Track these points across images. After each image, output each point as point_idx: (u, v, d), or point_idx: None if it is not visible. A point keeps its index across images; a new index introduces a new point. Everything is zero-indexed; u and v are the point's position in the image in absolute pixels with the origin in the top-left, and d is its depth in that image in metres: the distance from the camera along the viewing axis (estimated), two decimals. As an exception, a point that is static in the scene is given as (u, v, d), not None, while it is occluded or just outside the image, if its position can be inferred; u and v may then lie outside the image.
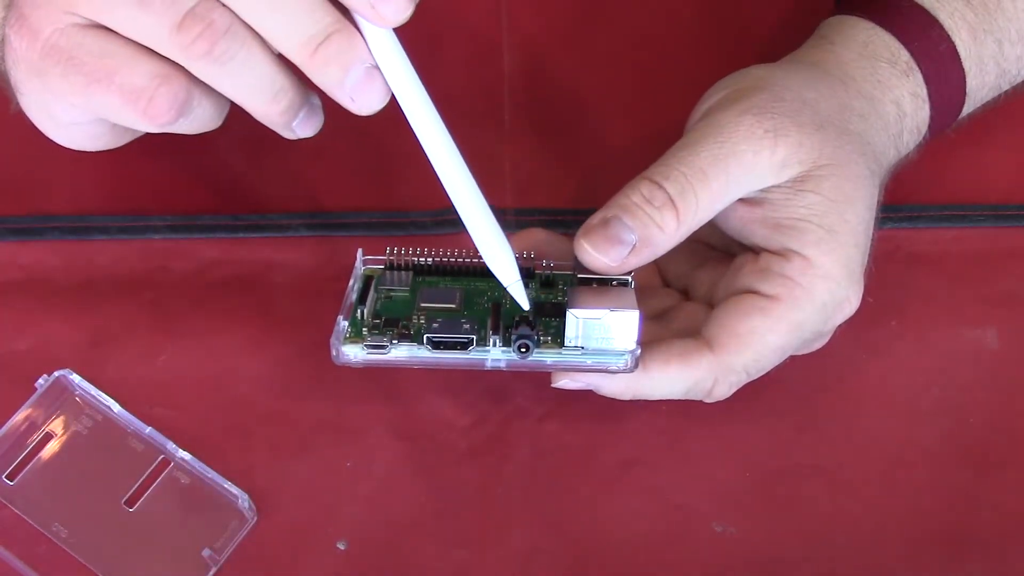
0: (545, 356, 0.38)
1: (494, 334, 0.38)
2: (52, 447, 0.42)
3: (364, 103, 0.36)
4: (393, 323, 0.39)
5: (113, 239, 0.47)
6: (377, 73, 0.36)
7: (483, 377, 0.45)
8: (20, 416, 0.42)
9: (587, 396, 0.45)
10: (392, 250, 0.42)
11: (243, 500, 0.41)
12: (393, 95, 0.36)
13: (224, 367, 0.45)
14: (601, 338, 0.38)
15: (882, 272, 0.47)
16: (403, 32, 0.51)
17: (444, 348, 0.38)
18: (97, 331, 0.45)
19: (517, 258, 0.39)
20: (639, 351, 0.38)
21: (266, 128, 0.48)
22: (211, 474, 0.42)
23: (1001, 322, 0.46)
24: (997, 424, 0.44)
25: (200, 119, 0.37)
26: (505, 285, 0.39)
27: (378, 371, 0.45)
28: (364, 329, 0.39)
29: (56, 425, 0.43)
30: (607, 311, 0.38)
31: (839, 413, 0.45)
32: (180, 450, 0.42)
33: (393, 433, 0.44)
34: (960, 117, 0.46)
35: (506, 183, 0.49)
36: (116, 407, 0.43)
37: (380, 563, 0.42)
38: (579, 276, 0.40)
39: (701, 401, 0.41)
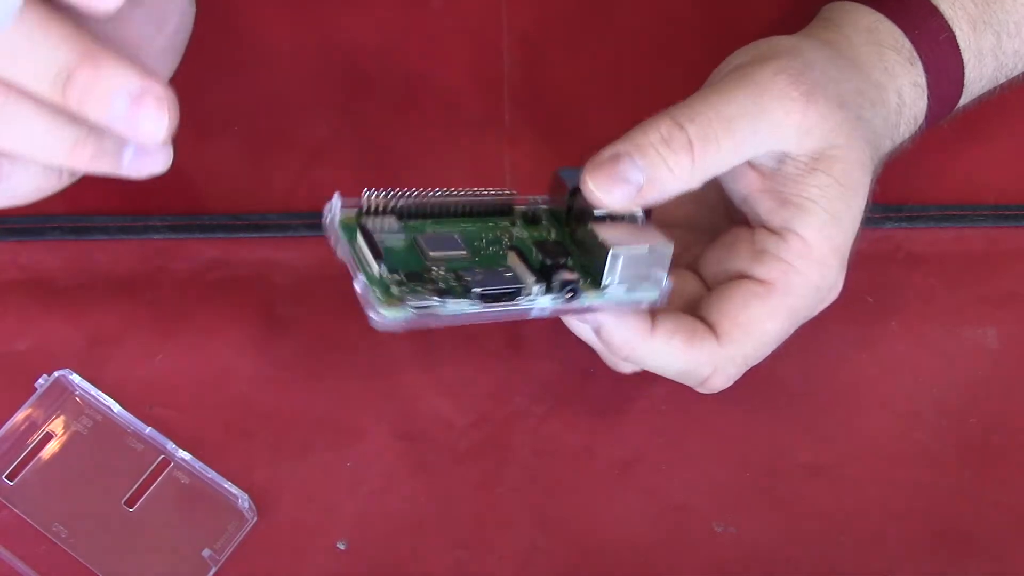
0: (589, 299, 0.36)
1: (538, 282, 0.36)
2: (52, 447, 0.42)
3: (147, 133, 0.32)
4: (416, 277, 0.35)
5: (113, 239, 0.47)
6: (147, 93, 0.32)
7: (483, 377, 0.45)
8: (20, 416, 0.42)
9: (587, 395, 0.45)
10: (370, 193, 0.38)
11: (243, 500, 0.41)
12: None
13: (224, 367, 0.45)
14: (637, 276, 0.36)
15: (882, 272, 0.47)
16: (404, 32, 0.51)
17: (493, 300, 0.35)
18: (97, 331, 0.45)
19: (501, 192, 0.39)
20: (669, 286, 0.37)
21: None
22: (211, 474, 0.42)
23: (1001, 322, 0.46)
24: (997, 424, 0.44)
25: (27, 182, 0.34)
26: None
27: (377, 370, 0.45)
28: (393, 288, 0.35)
29: (56, 425, 0.43)
30: (647, 248, 0.36)
31: (839, 413, 0.45)
32: (180, 450, 0.42)
33: (393, 433, 0.44)
34: (955, 109, 0.46)
35: (506, 183, 0.49)
36: (116, 407, 0.43)
37: (380, 563, 0.42)
38: (595, 214, 0.38)
39: (700, 400, 0.41)
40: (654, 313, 0.38)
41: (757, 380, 0.43)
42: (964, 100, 0.45)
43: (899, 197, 0.48)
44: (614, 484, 0.43)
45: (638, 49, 0.51)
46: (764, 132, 0.38)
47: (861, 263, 0.46)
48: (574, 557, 0.42)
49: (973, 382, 0.45)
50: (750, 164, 0.40)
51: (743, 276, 0.40)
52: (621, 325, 0.38)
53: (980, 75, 0.44)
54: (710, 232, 0.43)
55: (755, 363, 0.41)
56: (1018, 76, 0.47)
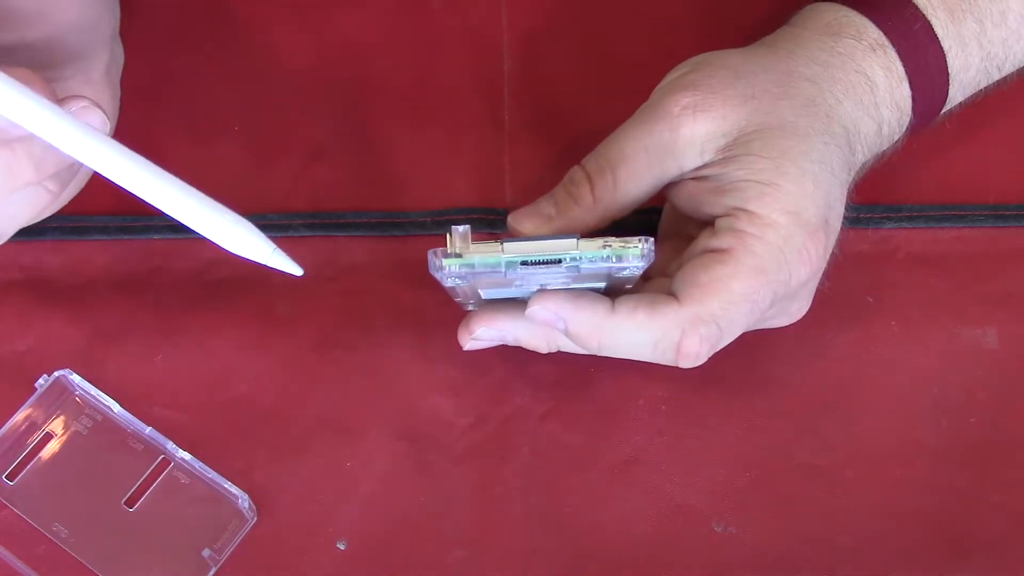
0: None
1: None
2: (52, 447, 0.42)
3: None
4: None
5: (113, 239, 0.47)
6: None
7: (483, 377, 0.45)
8: (20, 416, 0.42)
9: (587, 395, 0.45)
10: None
11: (243, 500, 0.41)
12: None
13: (224, 367, 0.45)
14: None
15: (882, 272, 0.47)
16: (404, 32, 0.51)
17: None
18: (97, 331, 0.45)
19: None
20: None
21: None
22: (211, 474, 0.42)
23: (1001, 322, 0.46)
24: (997, 424, 0.44)
25: (21, 212, 0.38)
26: (263, 262, 0.36)
27: (377, 370, 0.45)
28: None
29: (56, 425, 0.43)
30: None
31: (839, 413, 0.45)
32: (180, 450, 0.42)
33: (393, 433, 0.44)
34: (951, 104, 0.46)
35: (506, 183, 0.49)
36: (116, 407, 0.43)
37: (380, 563, 0.42)
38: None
39: (700, 400, 0.41)
40: (615, 300, 0.40)
41: (757, 380, 0.43)
42: (957, 92, 0.45)
43: (899, 197, 0.48)
44: (614, 484, 0.43)
45: (638, 49, 0.51)
46: (659, 153, 0.41)
47: (861, 263, 0.46)
48: (574, 557, 0.42)
49: (973, 382, 0.45)
50: (686, 179, 0.41)
51: (705, 252, 0.40)
52: (584, 314, 0.40)
53: (967, 64, 0.44)
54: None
55: (732, 326, 0.40)
56: (1014, 72, 0.47)
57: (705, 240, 0.41)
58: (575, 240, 0.37)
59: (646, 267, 0.38)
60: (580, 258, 0.37)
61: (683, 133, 0.40)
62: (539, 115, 0.50)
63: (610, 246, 0.37)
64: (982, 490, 0.43)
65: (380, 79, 0.50)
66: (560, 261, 0.37)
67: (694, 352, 0.40)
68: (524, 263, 0.37)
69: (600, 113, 0.50)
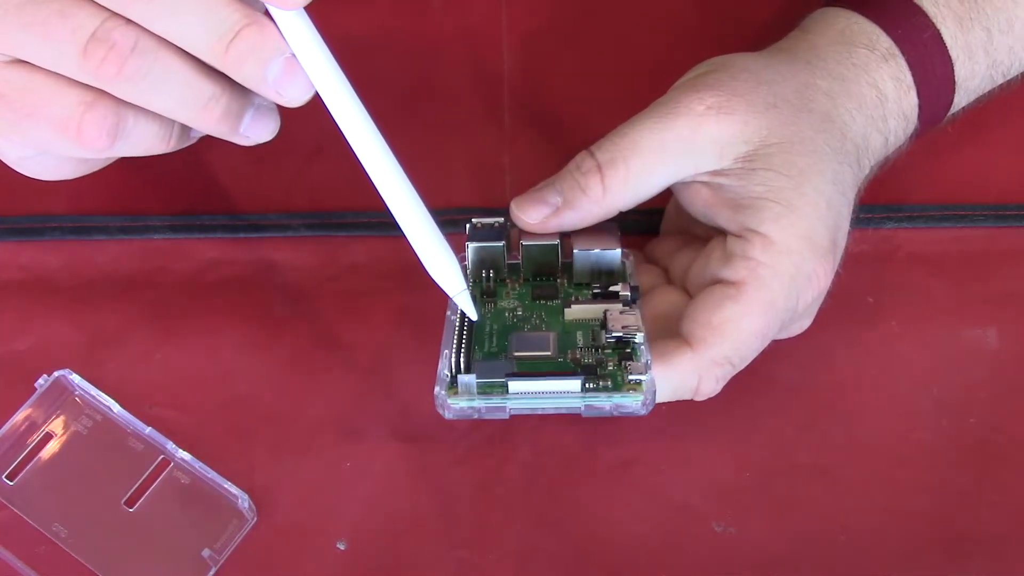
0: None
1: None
2: (52, 447, 0.42)
3: (291, 95, 0.35)
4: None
5: (113, 239, 0.47)
6: (298, 62, 0.35)
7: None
8: (20, 416, 0.42)
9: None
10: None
11: (243, 500, 0.41)
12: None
13: (224, 367, 0.45)
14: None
15: (882, 272, 0.47)
16: (404, 32, 0.51)
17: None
18: (97, 331, 0.45)
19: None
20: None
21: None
22: (211, 474, 0.42)
23: (1001, 322, 0.46)
24: (997, 424, 0.44)
25: (144, 139, 0.36)
26: (451, 295, 0.38)
27: (377, 370, 0.45)
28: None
29: (56, 425, 0.43)
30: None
31: (839, 413, 0.45)
32: (180, 450, 0.42)
33: (393, 433, 0.44)
34: (955, 110, 0.46)
35: (506, 183, 0.49)
36: (116, 407, 0.43)
37: (380, 563, 0.42)
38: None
39: (701, 402, 0.41)
40: None
41: (757, 380, 0.43)
42: (962, 99, 0.45)
43: (899, 197, 0.48)
44: (614, 484, 0.43)
45: (638, 49, 0.51)
46: (676, 150, 0.40)
47: (861, 263, 0.46)
48: (574, 557, 0.42)
49: (973, 382, 0.45)
50: (699, 183, 0.41)
51: (716, 281, 0.40)
52: None
53: (972, 72, 0.44)
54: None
55: (743, 363, 0.41)
56: (1018, 76, 0.47)
57: (716, 265, 0.40)
58: (580, 381, 0.38)
59: (649, 410, 0.39)
60: (582, 406, 0.38)
61: (705, 133, 0.40)
62: (539, 115, 0.50)
63: (610, 392, 0.38)
64: (982, 490, 0.43)
65: (380, 79, 0.50)
66: (564, 405, 0.38)
67: (711, 391, 0.40)
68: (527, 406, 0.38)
69: (600, 113, 0.50)
